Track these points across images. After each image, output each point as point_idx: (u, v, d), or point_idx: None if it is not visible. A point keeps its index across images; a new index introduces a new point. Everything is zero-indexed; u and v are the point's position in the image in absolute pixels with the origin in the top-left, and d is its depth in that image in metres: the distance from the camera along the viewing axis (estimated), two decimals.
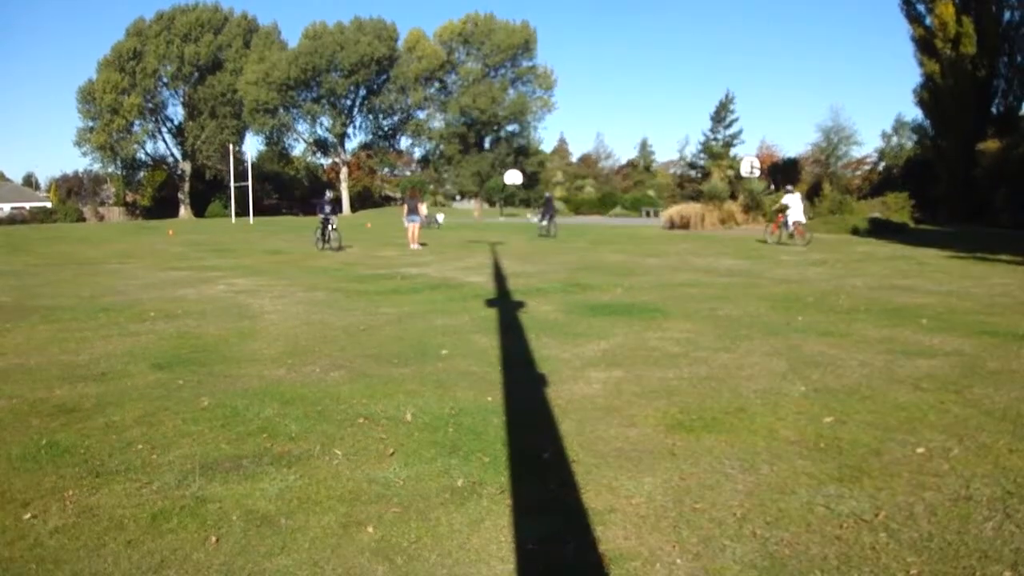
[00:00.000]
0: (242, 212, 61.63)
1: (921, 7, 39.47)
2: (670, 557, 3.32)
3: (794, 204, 24.87)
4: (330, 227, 24.15)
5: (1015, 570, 3.13)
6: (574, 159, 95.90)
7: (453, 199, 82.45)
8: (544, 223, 31.47)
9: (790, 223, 24.76)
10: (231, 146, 68.98)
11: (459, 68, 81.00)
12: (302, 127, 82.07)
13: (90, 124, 72.44)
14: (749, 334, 8.42)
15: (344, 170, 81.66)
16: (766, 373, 6.59)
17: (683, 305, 10.72)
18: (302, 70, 74.26)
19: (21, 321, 9.71)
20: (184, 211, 77.99)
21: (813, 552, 3.33)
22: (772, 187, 42.87)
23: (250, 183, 60.54)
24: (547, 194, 37.37)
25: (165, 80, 76.49)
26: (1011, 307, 10.18)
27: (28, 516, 3.76)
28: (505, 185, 66.03)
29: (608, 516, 3.74)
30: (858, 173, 67.50)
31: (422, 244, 25.01)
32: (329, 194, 27.62)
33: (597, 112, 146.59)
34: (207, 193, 79.17)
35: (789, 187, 27.89)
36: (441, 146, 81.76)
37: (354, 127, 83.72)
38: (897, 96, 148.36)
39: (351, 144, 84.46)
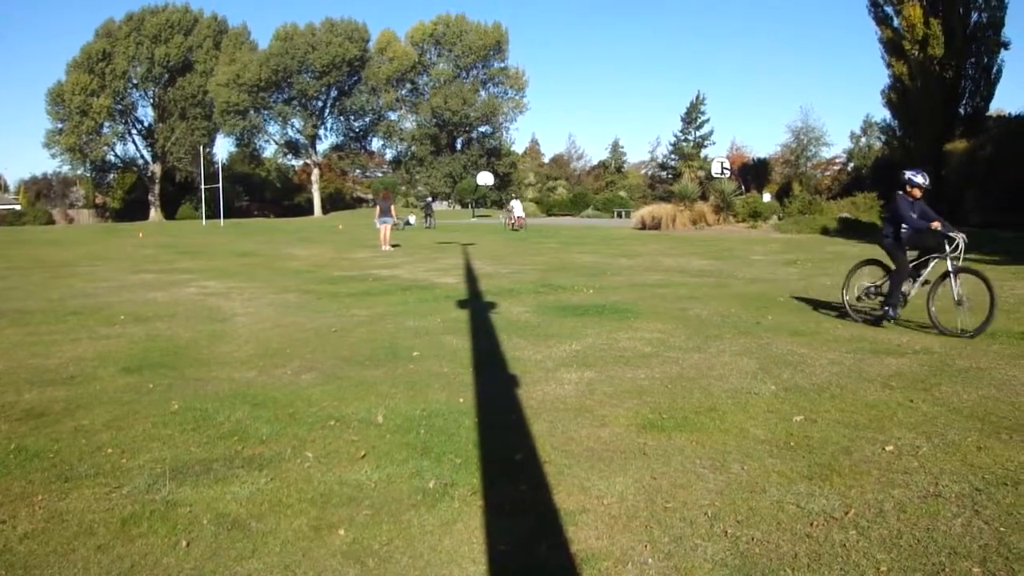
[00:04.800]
0: (212, 214, 61.08)
1: (889, 9, 39.76)
2: (641, 557, 3.33)
3: (516, 205, 40.10)
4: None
5: (983, 566, 3.17)
6: (546, 160, 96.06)
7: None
8: (427, 220, 45.11)
9: (514, 217, 38.57)
10: (201, 148, 68.34)
11: (430, 69, 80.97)
12: (273, 128, 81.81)
13: (59, 126, 71.54)
14: (720, 334, 8.47)
15: (315, 172, 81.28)
16: (736, 372, 6.63)
17: (654, 305, 10.77)
18: (273, 71, 73.93)
19: None
20: (154, 213, 77.22)
21: (784, 550, 3.35)
22: (742, 188, 43.22)
23: (220, 185, 60.06)
24: (427, 199, 55.66)
25: (135, 81, 75.75)
26: (979, 306, 10.29)
27: None
28: (477, 186, 66.09)
29: (580, 516, 3.74)
30: (827, 173, 68.32)
31: (394, 245, 24.94)
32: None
33: (569, 113, 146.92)
34: (177, 195, 78.47)
35: (514, 193, 47.04)
36: (413, 147, 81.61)
37: (325, 128, 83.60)
38: (866, 97, 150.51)
39: (322, 146, 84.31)
